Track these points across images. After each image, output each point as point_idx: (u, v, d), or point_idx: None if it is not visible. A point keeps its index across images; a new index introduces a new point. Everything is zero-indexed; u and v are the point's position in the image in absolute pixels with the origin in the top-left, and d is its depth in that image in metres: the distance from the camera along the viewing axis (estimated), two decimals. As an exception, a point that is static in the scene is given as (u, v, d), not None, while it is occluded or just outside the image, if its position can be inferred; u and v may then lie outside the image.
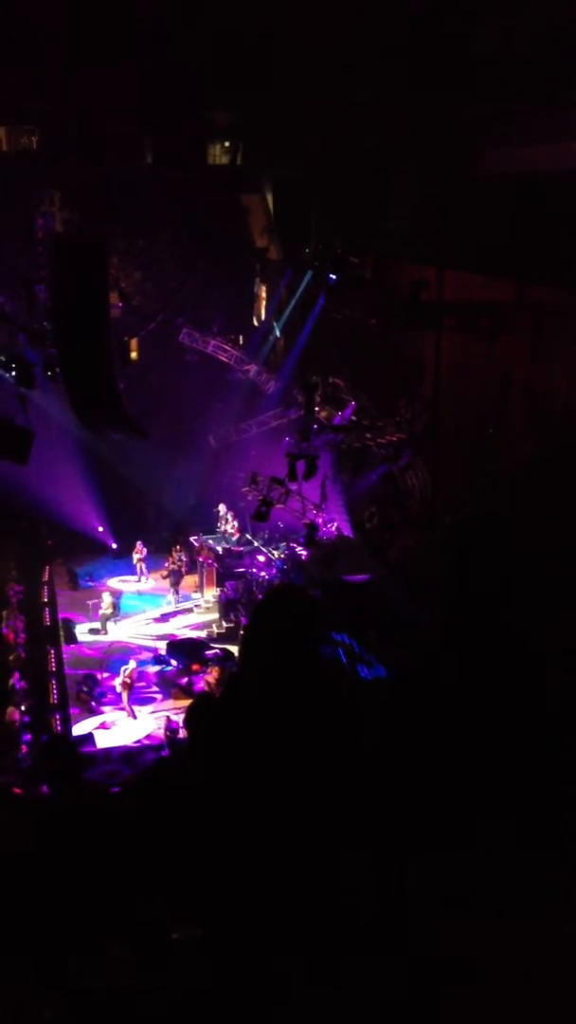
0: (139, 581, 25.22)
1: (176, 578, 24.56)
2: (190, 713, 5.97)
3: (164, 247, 27.22)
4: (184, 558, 25.92)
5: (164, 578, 24.84)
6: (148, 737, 18.19)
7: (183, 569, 25.01)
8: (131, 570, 25.42)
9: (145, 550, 25.12)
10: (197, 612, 23.98)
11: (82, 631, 22.40)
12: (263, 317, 28.87)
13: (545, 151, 16.52)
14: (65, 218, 25.69)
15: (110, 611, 22.73)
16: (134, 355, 26.34)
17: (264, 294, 29.25)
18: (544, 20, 15.77)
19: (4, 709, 17.29)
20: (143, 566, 25.19)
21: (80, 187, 25.19)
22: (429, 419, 20.75)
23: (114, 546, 26.51)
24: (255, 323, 29.15)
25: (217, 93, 25.36)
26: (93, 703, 19.23)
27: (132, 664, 19.25)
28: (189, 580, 25.56)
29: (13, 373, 19.86)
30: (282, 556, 23.65)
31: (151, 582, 25.22)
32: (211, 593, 24.21)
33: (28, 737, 16.60)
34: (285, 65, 21.67)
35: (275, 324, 27.53)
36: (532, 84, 16.48)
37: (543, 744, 3.30)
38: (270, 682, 2.98)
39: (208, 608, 23.93)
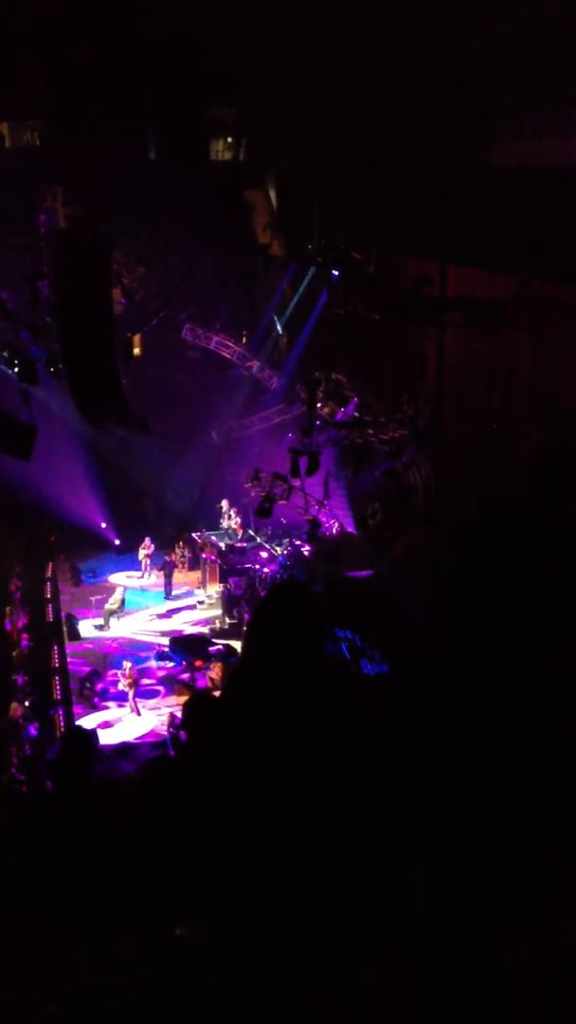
0: (142, 577, 25.26)
1: (168, 569, 24.63)
2: (188, 711, 5.97)
3: (167, 243, 27.19)
4: (187, 554, 25.97)
5: (159, 571, 24.92)
6: (151, 733, 18.21)
7: (174, 562, 25.06)
8: (134, 566, 25.45)
9: (153, 546, 25.20)
10: (200, 608, 24.01)
11: (85, 627, 22.42)
12: (266, 313, 28.84)
13: (550, 146, 16.48)
14: (68, 214, 25.67)
15: (115, 606, 22.77)
16: (137, 351, 26.32)
17: (267, 290, 29.21)
18: (549, 14, 15.72)
19: (7, 705, 17.31)
20: (148, 562, 25.25)
21: (83, 183, 25.14)
22: (432, 415, 20.71)
23: (117, 542, 26.54)
24: (258, 319, 29.10)
25: (220, 89, 25.32)
26: (96, 699, 19.25)
27: (128, 664, 19.23)
28: (191, 575, 25.60)
29: (16, 369, 19.85)
30: (285, 552, 23.65)
31: (154, 578, 25.26)
32: (214, 589, 24.23)
33: (33, 734, 16.62)
34: (288, 61, 21.63)
35: (278, 320, 27.49)
36: (537, 79, 16.43)
37: (544, 737, 3.30)
38: (274, 677, 2.98)
39: (211, 604, 23.95)
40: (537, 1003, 2.55)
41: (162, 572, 24.82)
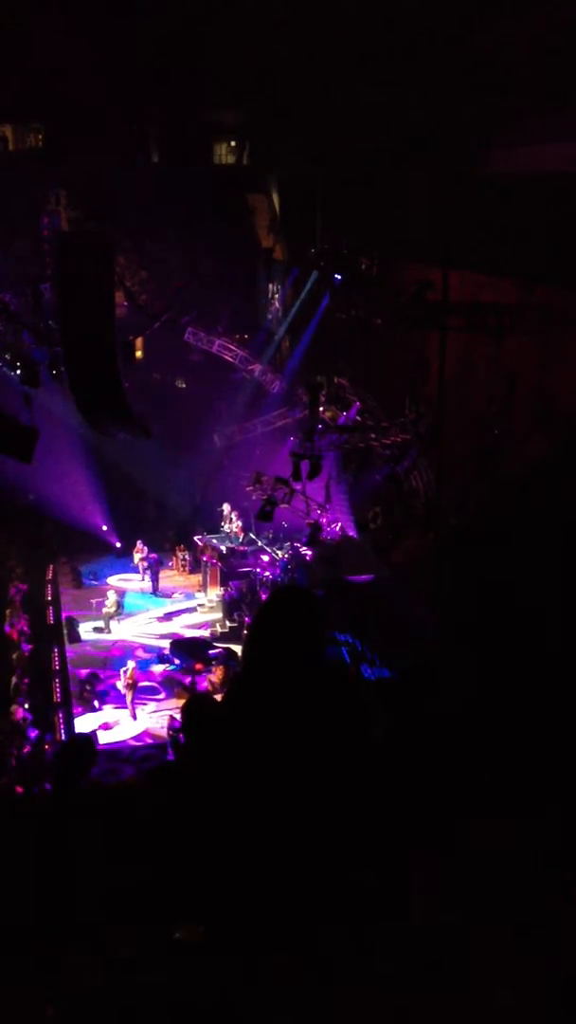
0: (142, 580, 25.24)
1: (155, 568, 24.57)
2: (186, 714, 5.94)
3: (170, 246, 27.23)
4: (187, 557, 25.96)
5: (145, 569, 24.89)
6: (150, 736, 18.22)
7: (158, 559, 25.00)
8: (135, 569, 25.45)
9: (146, 549, 25.13)
10: (200, 611, 23.99)
11: (86, 629, 22.42)
12: (268, 317, 28.88)
13: (553, 151, 16.50)
14: (71, 217, 25.71)
15: (114, 609, 22.75)
16: (139, 354, 26.35)
17: (270, 294, 29.26)
18: (553, 19, 15.75)
19: (8, 708, 17.31)
20: (144, 565, 25.23)
21: (86, 186, 25.20)
22: (434, 420, 20.73)
23: (118, 545, 26.54)
24: (260, 323, 29.16)
25: (224, 92, 25.38)
26: (96, 701, 19.24)
27: (131, 664, 19.24)
28: (192, 578, 25.59)
29: (18, 372, 19.88)
30: (286, 556, 23.64)
31: (153, 580, 25.25)
32: (215, 592, 24.22)
33: (33, 736, 16.62)
34: (291, 65, 21.67)
35: (280, 324, 27.53)
36: (540, 83, 16.46)
37: (546, 741, 3.29)
38: (275, 682, 2.97)
39: (212, 607, 23.94)
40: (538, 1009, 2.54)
41: (146, 570, 24.83)
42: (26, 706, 17.63)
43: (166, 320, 25.06)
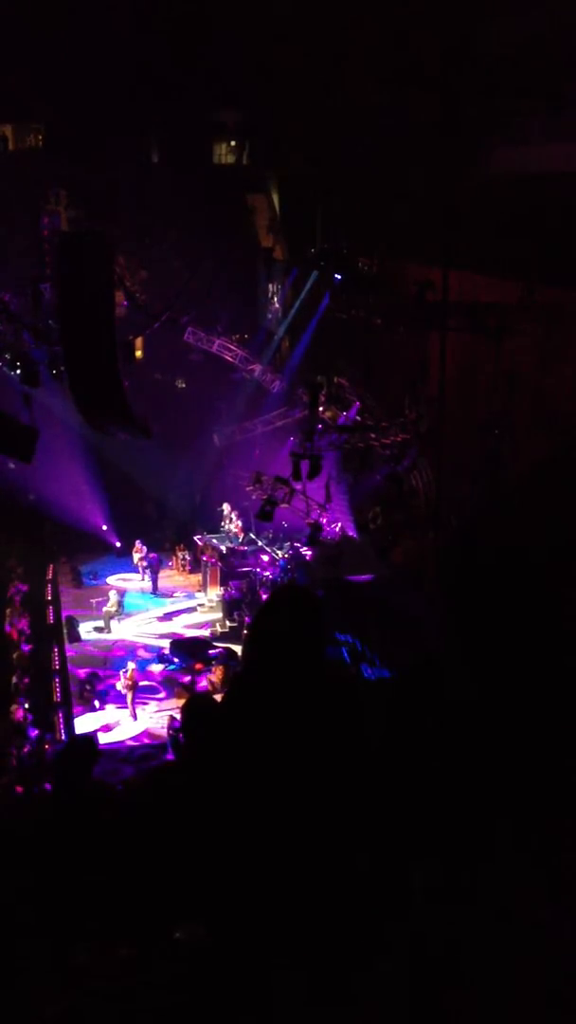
0: (142, 580, 25.24)
1: (154, 566, 24.55)
2: (186, 714, 5.94)
3: (170, 246, 27.23)
4: (187, 557, 25.96)
5: (144, 569, 24.90)
6: (150, 736, 18.22)
7: (158, 559, 25.00)
8: (135, 568, 25.46)
9: (145, 549, 25.14)
10: (200, 611, 24.00)
11: (86, 629, 22.42)
12: (268, 316, 28.87)
13: (554, 151, 16.51)
14: (71, 216, 25.70)
15: (114, 609, 22.75)
16: (139, 354, 26.32)
17: (270, 293, 29.26)
18: (553, 19, 15.75)
19: (8, 708, 17.31)
20: (144, 565, 25.24)
21: (86, 186, 25.21)
22: (434, 420, 20.73)
23: (118, 544, 26.55)
24: (260, 322, 29.15)
25: (224, 92, 25.39)
26: (96, 701, 19.25)
27: (131, 665, 19.24)
28: (192, 578, 25.59)
29: (18, 371, 19.88)
30: (286, 556, 23.64)
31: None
32: (215, 592, 24.22)
33: (33, 735, 16.62)
34: (291, 65, 21.67)
35: (280, 323, 27.52)
36: (541, 83, 16.47)
37: (548, 744, 3.29)
38: (275, 682, 2.98)
39: (212, 607, 23.94)
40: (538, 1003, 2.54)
41: (145, 569, 24.84)
42: (26, 706, 17.63)
43: (166, 320, 25.04)
